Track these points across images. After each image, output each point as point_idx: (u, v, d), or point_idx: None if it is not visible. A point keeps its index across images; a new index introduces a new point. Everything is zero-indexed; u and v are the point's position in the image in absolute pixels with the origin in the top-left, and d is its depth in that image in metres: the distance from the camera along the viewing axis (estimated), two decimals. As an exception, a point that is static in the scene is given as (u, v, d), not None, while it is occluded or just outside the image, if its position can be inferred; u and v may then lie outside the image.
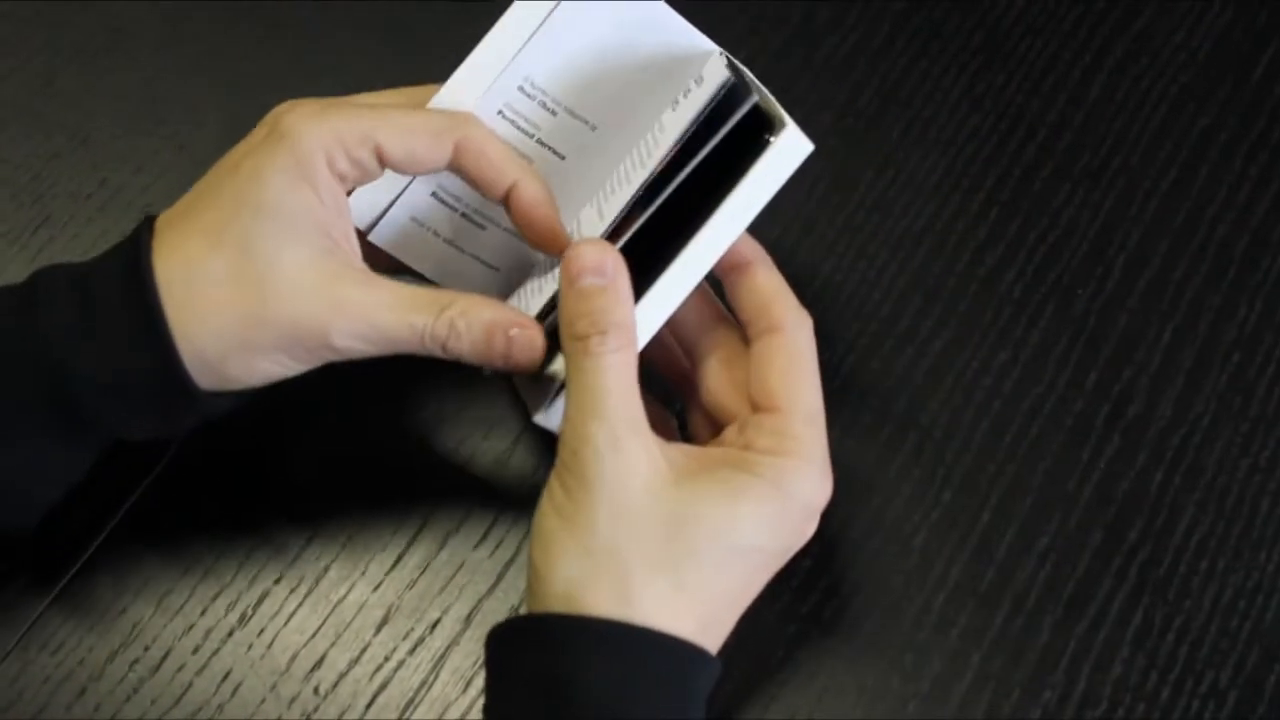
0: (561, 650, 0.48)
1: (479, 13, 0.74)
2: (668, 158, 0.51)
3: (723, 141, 0.51)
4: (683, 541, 0.48)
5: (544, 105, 0.55)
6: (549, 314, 0.53)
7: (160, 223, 0.51)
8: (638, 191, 0.52)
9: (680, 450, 0.51)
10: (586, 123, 0.55)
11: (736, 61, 0.53)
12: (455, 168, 0.53)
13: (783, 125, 0.51)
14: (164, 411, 0.51)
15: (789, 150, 0.51)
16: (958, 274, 0.66)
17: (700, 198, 0.51)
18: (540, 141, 0.55)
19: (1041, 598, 0.58)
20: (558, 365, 0.52)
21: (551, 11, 0.53)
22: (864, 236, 0.66)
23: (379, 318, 0.50)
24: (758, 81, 0.52)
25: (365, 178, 0.52)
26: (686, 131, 0.51)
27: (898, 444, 0.61)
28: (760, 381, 0.52)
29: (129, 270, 0.50)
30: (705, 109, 0.51)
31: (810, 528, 0.52)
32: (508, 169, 0.53)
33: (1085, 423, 0.62)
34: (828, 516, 0.59)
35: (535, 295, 0.55)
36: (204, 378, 0.50)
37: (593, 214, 0.54)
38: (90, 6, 0.74)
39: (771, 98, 0.52)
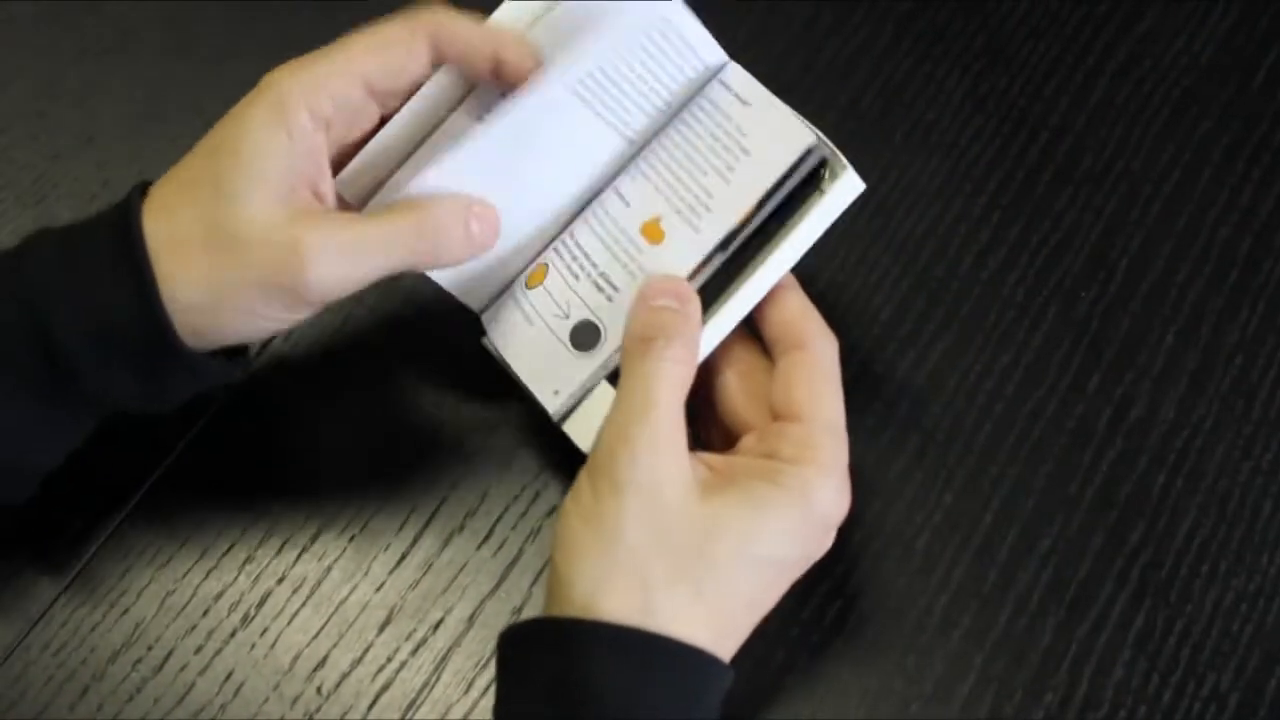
0: (577, 654, 0.48)
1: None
2: (754, 213, 0.54)
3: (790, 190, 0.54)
4: (706, 552, 0.48)
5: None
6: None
7: (155, 186, 0.52)
8: (720, 242, 0.54)
9: (705, 459, 0.52)
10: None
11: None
12: (441, 59, 0.53)
13: (843, 168, 0.53)
14: (150, 369, 0.51)
15: (845, 190, 0.54)
16: (960, 277, 0.66)
17: (759, 236, 0.54)
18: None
19: (1044, 600, 0.58)
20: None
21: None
22: (866, 239, 0.66)
23: (358, 250, 0.51)
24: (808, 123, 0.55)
25: (359, 117, 0.53)
26: (769, 192, 0.54)
27: (900, 446, 0.62)
28: (784, 392, 0.53)
29: (117, 224, 0.50)
30: (790, 171, 0.54)
31: (828, 540, 0.52)
32: (485, 44, 0.53)
33: (1087, 426, 0.62)
34: (830, 518, 0.59)
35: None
36: (191, 331, 0.50)
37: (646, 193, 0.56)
38: (96, 8, 0.75)
39: (818, 132, 0.54)
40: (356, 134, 0.54)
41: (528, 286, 0.57)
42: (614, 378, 0.54)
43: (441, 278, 0.57)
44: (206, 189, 0.50)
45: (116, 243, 0.50)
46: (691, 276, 0.54)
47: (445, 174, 0.53)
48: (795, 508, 0.50)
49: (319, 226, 0.50)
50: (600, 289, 0.55)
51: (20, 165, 0.70)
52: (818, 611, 0.58)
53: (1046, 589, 0.58)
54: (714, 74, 0.56)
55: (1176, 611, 0.58)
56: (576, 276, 0.56)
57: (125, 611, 0.58)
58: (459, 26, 0.53)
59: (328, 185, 0.53)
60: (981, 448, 0.62)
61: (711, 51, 0.56)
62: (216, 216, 0.50)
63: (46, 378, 0.50)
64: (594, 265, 0.56)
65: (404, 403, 0.62)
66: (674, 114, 0.57)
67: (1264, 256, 0.66)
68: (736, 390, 0.55)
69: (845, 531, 0.59)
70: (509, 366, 0.57)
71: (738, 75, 0.56)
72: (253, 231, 0.49)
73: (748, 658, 0.56)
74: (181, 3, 0.75)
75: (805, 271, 0.54)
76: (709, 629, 0.48)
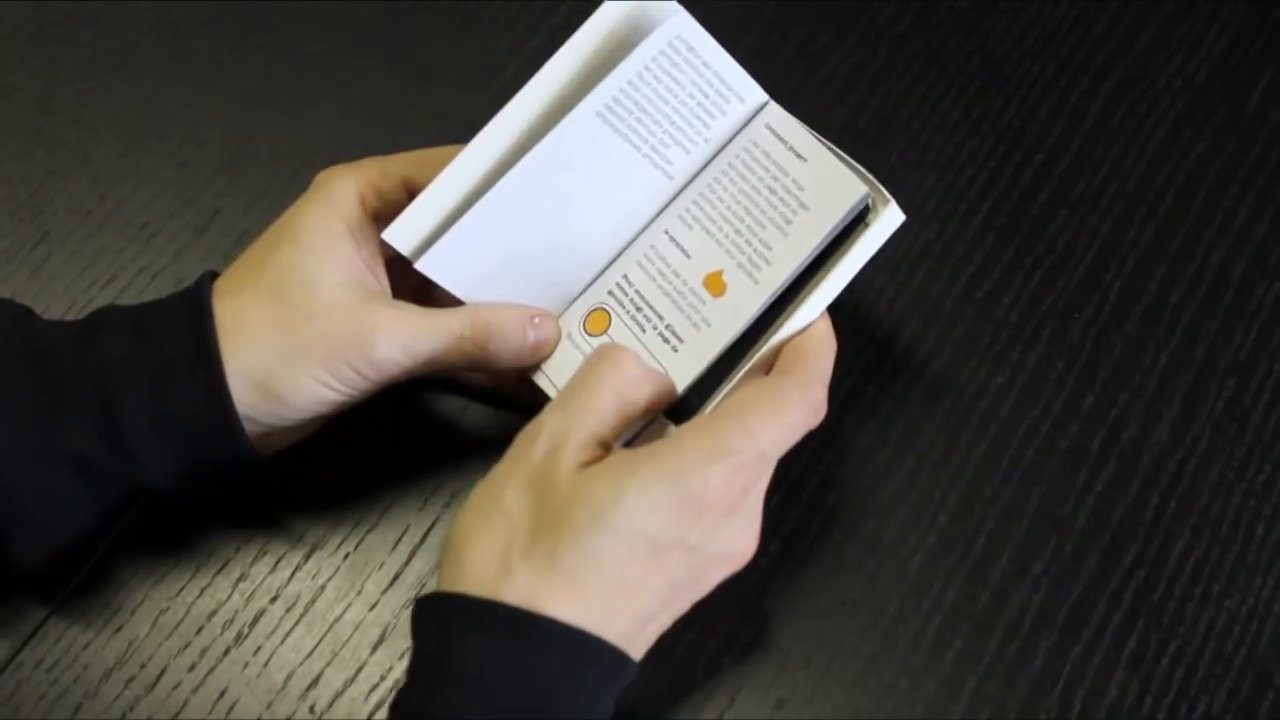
0: (440, 626, 0.49)
1: (482, 29, 0.74)
2: (807, 261, 0.55)
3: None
4: (567, 518, 0.48)
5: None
6: None
7: (222, 278, 0.55)
8: (772, 296, 0.55)
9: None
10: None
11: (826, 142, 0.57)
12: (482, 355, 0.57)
13: (885, 202, 0.54)
14: (200, 446, 0.53)
15: (888, 223, 0.55)
16: (955, 297, 0.66)
17: (806, 270, 0.55)
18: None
19: (1037, 622, 0.58)
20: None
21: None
22: (862, 259, 0.67)
23: (418, 327, 0.54)
24: (848, 158, 0.56)
25: (397, 209, 0.55)
26: (822, 244, 0.55)
27: (895, 467, 0.62)
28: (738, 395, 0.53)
29: (188, 305, 0.53)
30: (843, 223, 0.55)
31: (719, 538, 0.50)
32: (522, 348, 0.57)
33: (1081, 447, 0.62)
34: (825, 539, 0.59)
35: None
36: (250, 400, 0.53)
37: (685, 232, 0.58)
38: (93, 24, 0.75)
39: (868, 175, 0.55)
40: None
41: (589, 333, 0.57)
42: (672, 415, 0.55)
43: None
44: (273, 271, 0.54)
45: (186, 323, 0.53)
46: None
47: (488, 209, 0.54)
48: (664, 480, 0.48)
49: (390, 307, 0.54)
50: (666, 340, 0.56)
51: (16, 180, 0.70)
52: (811, 632, 0.58)
53: (1039, 610, 0.58)
54: (754, 112, 0.57)
55: (1169, 634, 0.58)
56: (643, 329, 0.56)
57: (119, 629, 0.58)
58: (504, 329, 0.56)
59: (383, 273, 0.57)
60: (975, 468, 0.62)
61: (739, 81, 0.57)
62: (287, 292, 0.53)
63: (96, 450, 0.52)
64: (660, 318, 0.56)
65: (400, 422, 0.62)
66: (716, 152, 0.58)
67: (1258, 279, 0.66)
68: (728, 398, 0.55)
69: (839, 550, 0.59)
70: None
71: (787, 125, 0.57)
72: (324, 304, 0.53)
73: (740, 678, 0.57)
74: (178, 18, 0.75)
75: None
76: (571, 600, 0.47)
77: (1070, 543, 0.60)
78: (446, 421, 0.63)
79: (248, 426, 0.53)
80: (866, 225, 0.55)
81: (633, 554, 0.48)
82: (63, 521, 0.53)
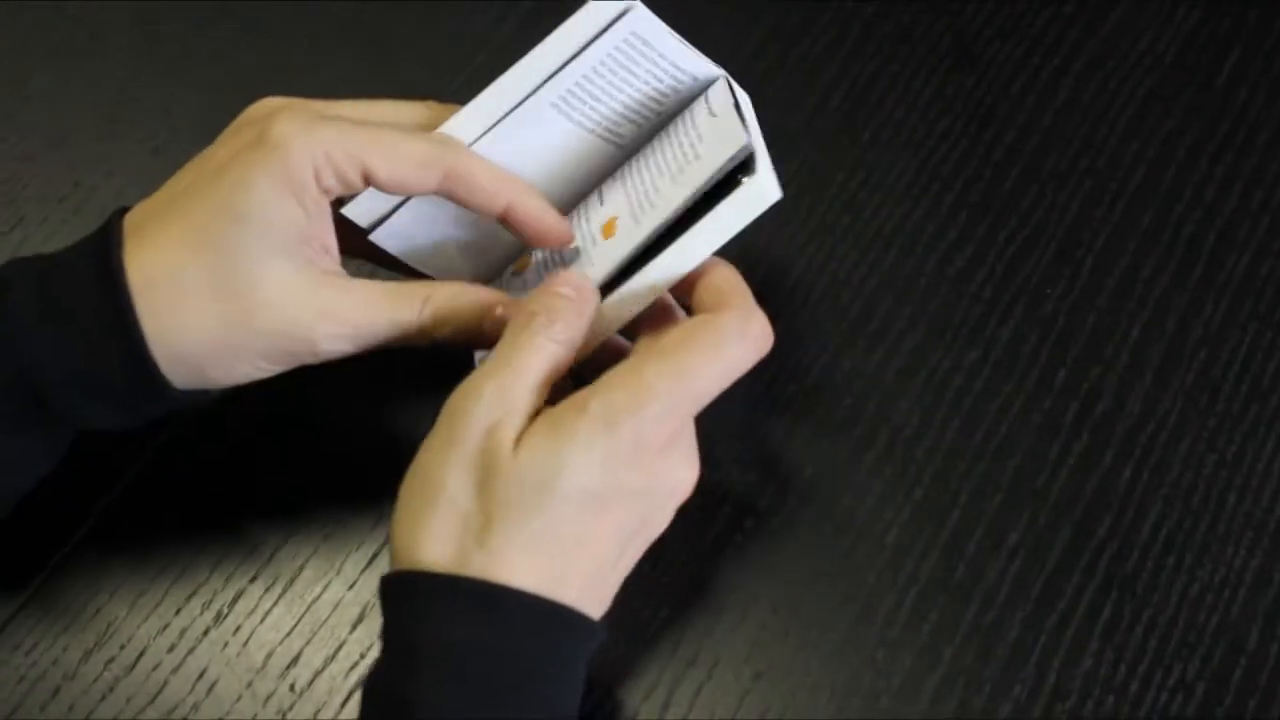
0: (405, 605, 0.48)
1: (453, 14, 0.75)
2: (680, 209, 0.53)
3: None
4: (517, 497, 0.48)
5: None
6: None
7: (135, 218, 0.52)
8: (650, 236, 0.53)
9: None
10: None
11: (735, 86, 0.55)
12: (444, 193, 0.53)
13: (758, 170, 0.52)
14: (131, 405, 0.51)
15: (758, 194, 0.53)
16: (928, 274, 0.66)
17: (676, 227, 0.53)
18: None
19: (1011, 593, 0.59)
20: None
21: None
22: (835, 237, 0.67)
23: (363, 318, 0.52)
24: (752, 112, 0.54)
25: (349, 192, 0.53)
26: (700, 189, 0.53)
27: (869, 442, 0.62)
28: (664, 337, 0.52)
29: (99, 267, 0.50)
30: (721, 170, 0.52)
31: (662, 475, 0.50)
32: (500, 192, 0.54)
33: (1054, 420, 0.63)
34: (801, 514, 0.60)
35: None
36: (180, 377, 0.50)
37: (609, 208, 0.57)
38: (65, 9, 0.74)
39: (757, 132, 0.54)
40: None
41: (513, 273, 0.59)
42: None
43: (426, 266, 0.58)
44: (215, 253, 0.50)
45: (101, 290, 0.49)
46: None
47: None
48: (600, 434, 0.48)
49: (343, 294, 0.51)
50: None
51: (-11, 167, 0.70)
52: (788, 606, 0.58)
53: (1014, 582, 0.59)
54: (705, 86, 0.57)
55: (1143, 603, 0.59)
56: (547, 267, 0.57)
57: (97, 611, 0.58)
58: (475, 173, 0.53)
59: (332, 239, 0.53)
60: (950, 443, 0.62)
61: (689, 61, 0.56)
62: (230, 282, 0.50)
63: (26, 412, 0.50)
64: (563, 260, 0.56)
65: (378, 401, 0.63)
66: (666, 122, 0.58)
67: (1227, 252, 0.67)
68: (642, 343, 0.54)
69: (815, 526, 0.60)
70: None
71: (719, 89, 0.56)
72: (269, 295, 0.50)
73: (716, 652, 0.57)
74: (149, 3, 0.75)
75: (776, 268, 0.55)
76: (535, 574, 0.47)
77: (1044, 515, 0.60)
78: (424, 401, 0.63)
79: (177, 382, 0.51)
80: (735, 189, 0.53)
81: (583, 513, 0.48)
82: (8, 477, 0.53)
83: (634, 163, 0.58)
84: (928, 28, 0.74)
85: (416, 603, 0.48)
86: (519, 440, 0.48)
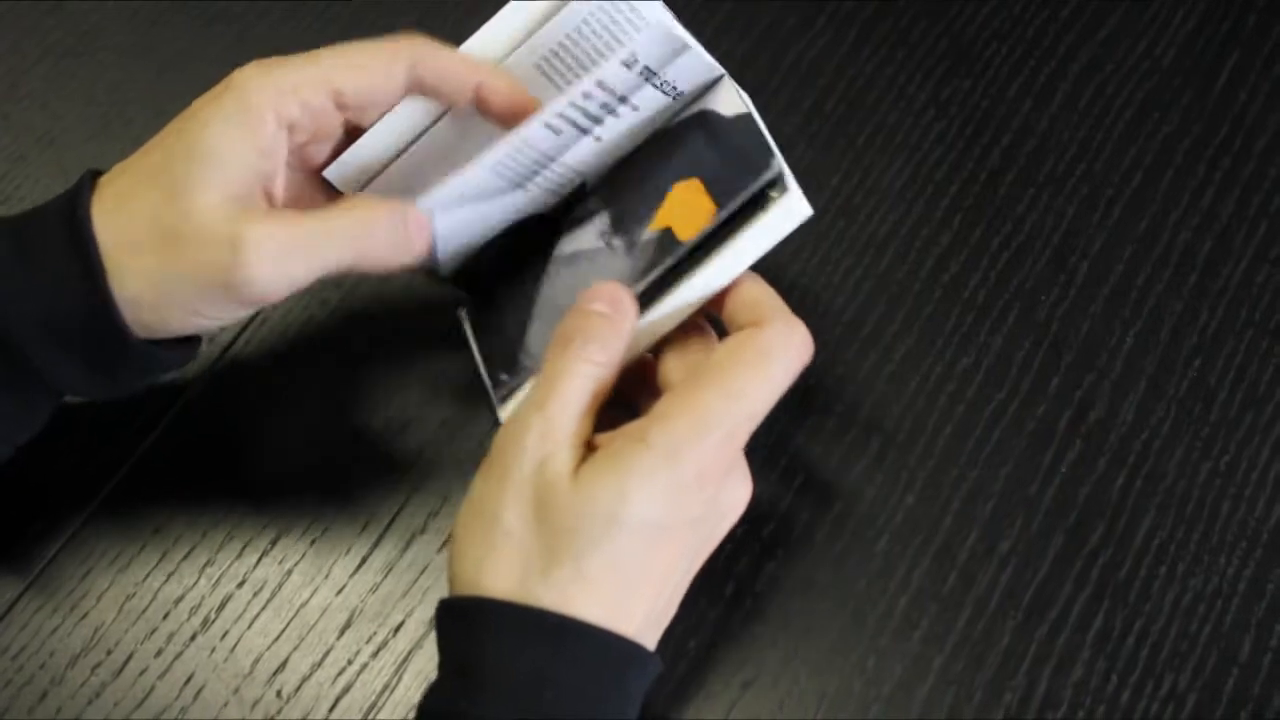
0: (467, 629, 0.48)
1: (453, 14, 0.74)
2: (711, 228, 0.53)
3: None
4: (579, 529, 0.48)
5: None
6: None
7: (109, 174, 0.52)
8: (683, 252, 0.54)
9: (594, 440, 0.51)
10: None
11: (747, 99, 0.55)
12: (416, 88, 0.54)
13: (786, 190, 0.53)
14: (100, 359, 0.51)
15: (788, 210, 0.53)
16: (922, 279, 0.66)
17: (704, 246, 0.54)
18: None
19: (1003, 601, 0.58)
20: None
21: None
22: (829, 241, 0.67)
23: (285, 235, 0.51)
24: (767, 132, 0.54)
25: (324, 125, 0.53)
26: (731, 209, 0.53)
27: (861, 448, 0.62)
28: (711, 358, 0.52)
29: (67, 215, 0.50)
30: (751, 193, 0.53)
31: (721, 500, 0.51)
32: (468, 75, 0.54)
33: (1047, 428, 0.62)
34: (790, 519, 0.59)
35: None
36: (140, 325, 0.50)
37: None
38: (59, 9, 0.74)
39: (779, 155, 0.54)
40: (319, 141, 0.54)
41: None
42: None
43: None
44: (160, 184, 0.50)
45: (66, 234, 0.50)
46: (639, 280, 0.54)
47: (421, 150, 0.55)
48: (663, 465, 0.48)
49: (258, 224, 0.50)
50: None
51: (-19, 167, 0.69)
52: (779, 614, 0.58)
53: (1006, 590, 0.59)
54: (708, 86, 0.57)
55: (1135, 612, 0.58)
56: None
57: (85, 615, 0.58)
58: (440, 58, 0.53)
59: (280, 187, 0.53)
60: (942, 450, 0.62)
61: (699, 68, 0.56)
62: (164, 212, 0.50)
63: None
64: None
65: (366, 405, 0.62)
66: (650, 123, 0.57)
67: (1223, 260, 0.67)
68: (672, 362, 0.54)
69: (806, 532, 0.60)
70: (473, 343, 0.59)
71: (726, 92, 0.56)
72: (193, 228, 0.49)
73: (707, 660, 0.57)
74: (143, 4, 0.74)
75: (770, 271, 0.54)
76: (601, 606, 0.48)
77: (1036, 522, 0.60)
78: (414, 404, 0.63)
79: (144, 334, 0.51)
80: (765, 210, 0.53)
81: (647, 545, 0.49)
82: None
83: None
84: (925, 30, 0.74)
85: (481, 629, 0.48)
86: (577, 472, 0.49)
